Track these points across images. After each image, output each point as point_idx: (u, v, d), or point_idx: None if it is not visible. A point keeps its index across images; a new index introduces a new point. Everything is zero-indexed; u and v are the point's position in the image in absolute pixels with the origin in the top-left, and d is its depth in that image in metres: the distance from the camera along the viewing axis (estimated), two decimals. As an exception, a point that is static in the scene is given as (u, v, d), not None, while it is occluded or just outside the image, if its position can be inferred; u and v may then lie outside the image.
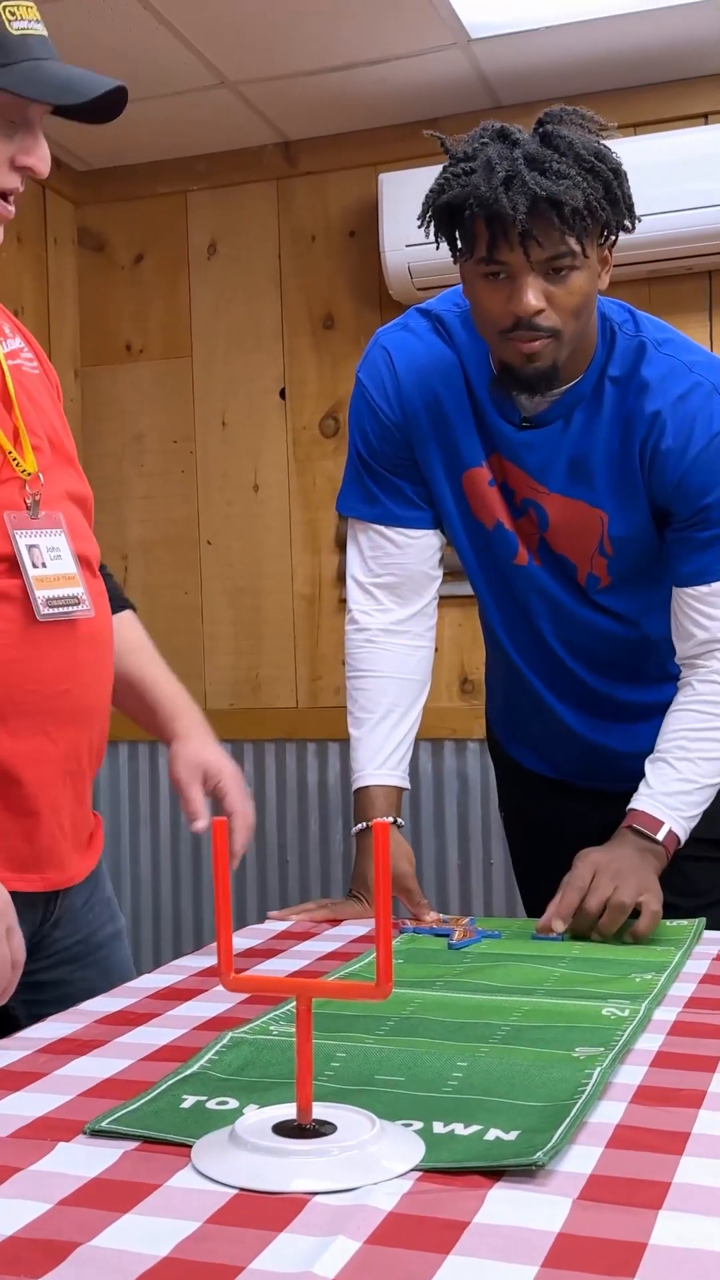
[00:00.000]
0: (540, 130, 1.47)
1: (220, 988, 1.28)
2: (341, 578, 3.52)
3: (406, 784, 1.70)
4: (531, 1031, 1.10)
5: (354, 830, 1.68)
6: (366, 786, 1.67)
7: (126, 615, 1.60)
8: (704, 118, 3.24)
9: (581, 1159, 0.83)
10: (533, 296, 1.45)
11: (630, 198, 1.50)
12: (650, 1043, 1.08)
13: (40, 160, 1.29)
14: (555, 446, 1.60)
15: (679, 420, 1.55)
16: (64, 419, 1.49)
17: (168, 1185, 0.82)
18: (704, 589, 1.58)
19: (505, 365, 1.54)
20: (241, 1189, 0.81)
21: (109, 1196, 0.81)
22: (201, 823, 1.48)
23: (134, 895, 3.78)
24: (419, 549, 1.71)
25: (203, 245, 3.66)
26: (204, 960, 1.43)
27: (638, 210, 3.48)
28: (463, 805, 3.51)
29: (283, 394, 3.61)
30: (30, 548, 1.30)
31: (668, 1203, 0.76)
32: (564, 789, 1.88)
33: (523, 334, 1.47)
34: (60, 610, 1.32)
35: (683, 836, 1.56)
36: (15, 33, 1.23)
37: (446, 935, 1.48)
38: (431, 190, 1.50)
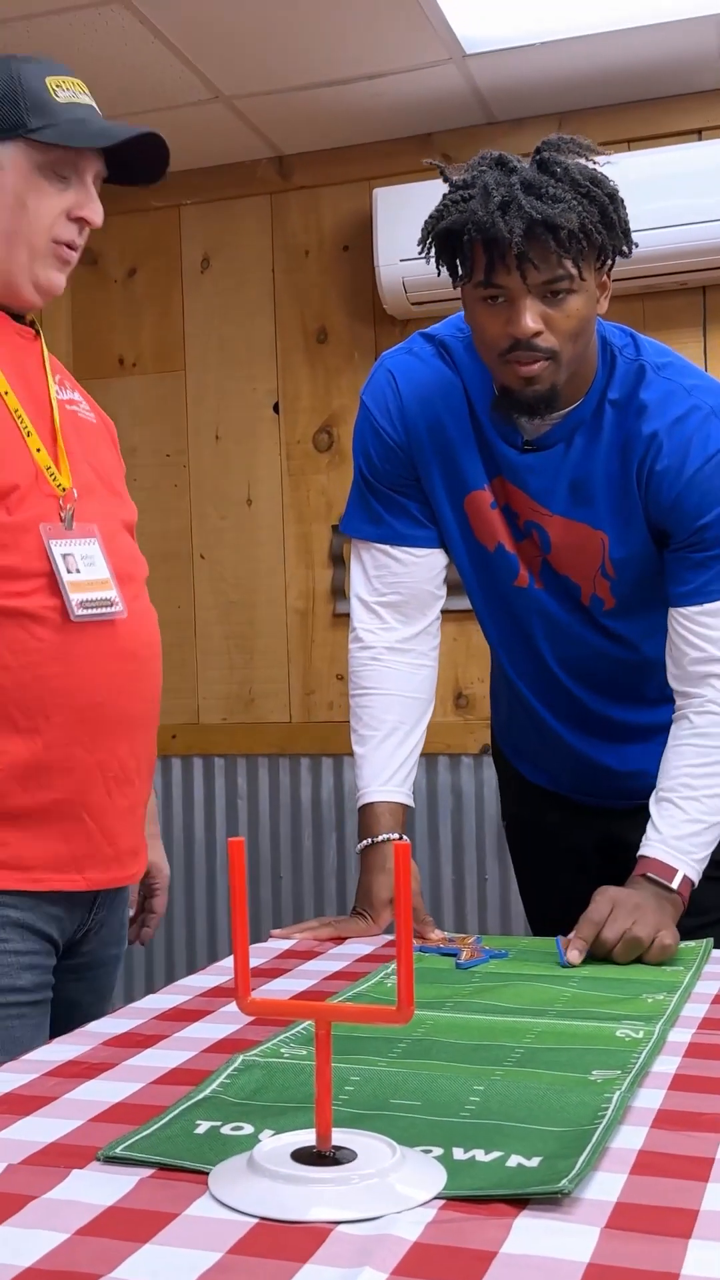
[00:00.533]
0: (538, 158, 1.49)
1: (227, 1008, 1.28)
2: (336, 592, 3.53)
3: (411, 802, 1.70)
4: (546, 1054, 1.09)
5: (359, 847, 1.67)
6: (372, 803, 1.66)
7: None
8: (698, 133, 3.26)
9: (607, 1186, 0.82)
10: (530, 319, 1.46)
11: (626, 222, 1.52)
12: (667, 1065, 1.07)
13: (94, 212, 1.43)
14: (557, 469, 1.61)
15: (675, 442, 1.56)
16: (120, 461, 1.62)
17: (186, 1214, 0.81)
18: (697, 609, 1.58)
19: (505, 388, 1.55)
20: (262, 1218, 0.79)
21: (127, 1226, 0.79)
22: (129, 910, 1.67)
23: (126, 911, 3.76)
24: (423, 568, 1.71)
25: (196, 259, 3.66)
26: (210, 980, 1.42)
27: (630, 226, 3.50)
28: (457, 820, 3.50)
29: (276, 408, 3.61)
30: (65, 555, 1.39)
31: (697, 1231, 0.75)
32: (564, 803, 1.88)
33: (521, 355, 1.48)
34: (94, 612, 1.40)
35: (696, 879, 1.55)
36: (60, 101, 1.39)
37: (454, 954, 1.47)
38: (431, 217, 1.53)
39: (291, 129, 3.39)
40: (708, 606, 1.58)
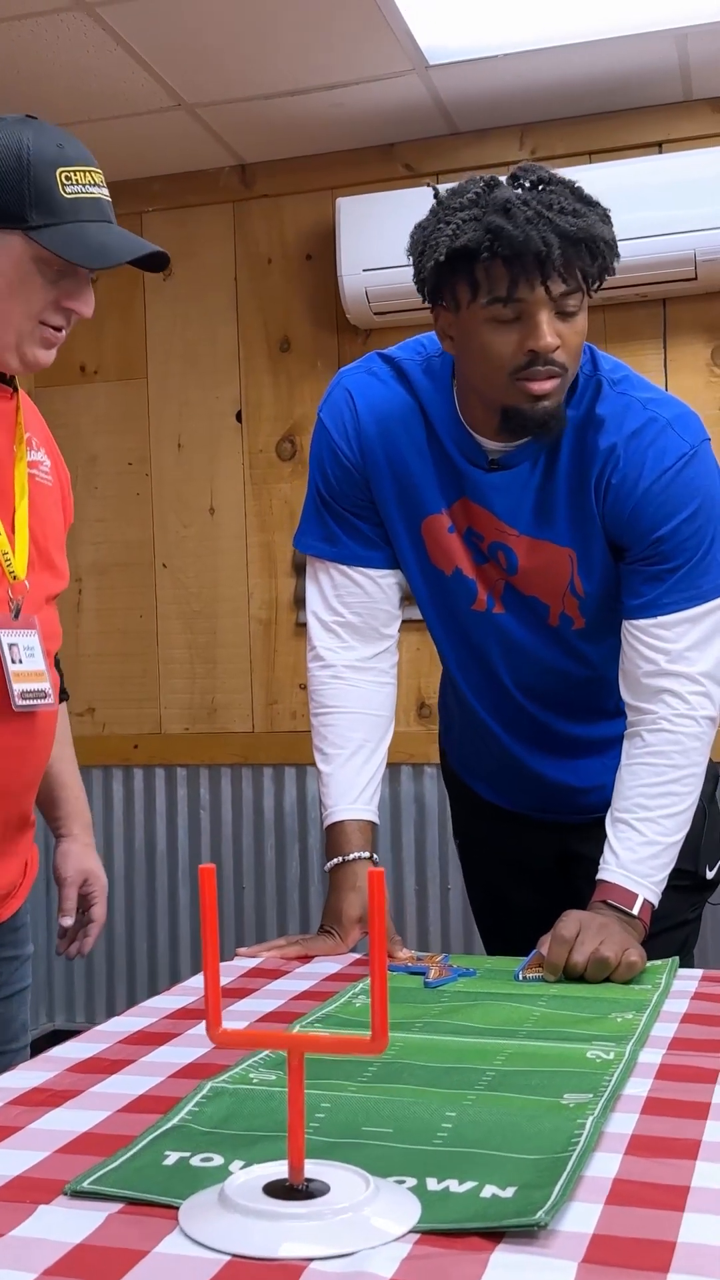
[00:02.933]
0: (529, 179, 1.48)
1: (193, 1031, 1.27)
2: (299, 601, 3.51)
3: (378, 819, 1.69)
4: (517, 1077, 1.09)
5: (328, 866, 1.66)
6: (340, 822, 1.65)
7: (60, 706, 1.67)
8: (658, 146, 3.27)
9: (583, 1217, 0.81)
10: (550, 333, 1.46)
11: (615, 242, 1.52)
12: (639, 1088, 1.06)
13: (85, 305, 1.42)
14: (523, 487, 1.60)
15: (631, 455, 1.56)
16: (67, 517, 1.63)
17: (156, 1251, 0.79)
18: (651, 621, 1.58)
19: (511, 409, 1.52)
20: (234, 1255, 0.78)
21: (97, 1264, 0.78)
22: (68, 919, 1.71)
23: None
24: (381, 588, 1.71)
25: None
26: (175, 1001, 1.40)
27: None
28: (420, 830, 3.49)
29: (239, 417, 3.60)
30: (11, 645, 1.44)
31: (675, 1264, 0.75)
32: (518, 819, 1.87)
33: (538, 370, 1.47)
34: (31, 702, 1.46)
35: (656, 901, 1.55)
36: (67, 195, 1.36)
37: (422, 973, 1.46)
38: (444, 237, 1.46)
39: (254, 137, 3.38)
40: (662, 619, 1.58)
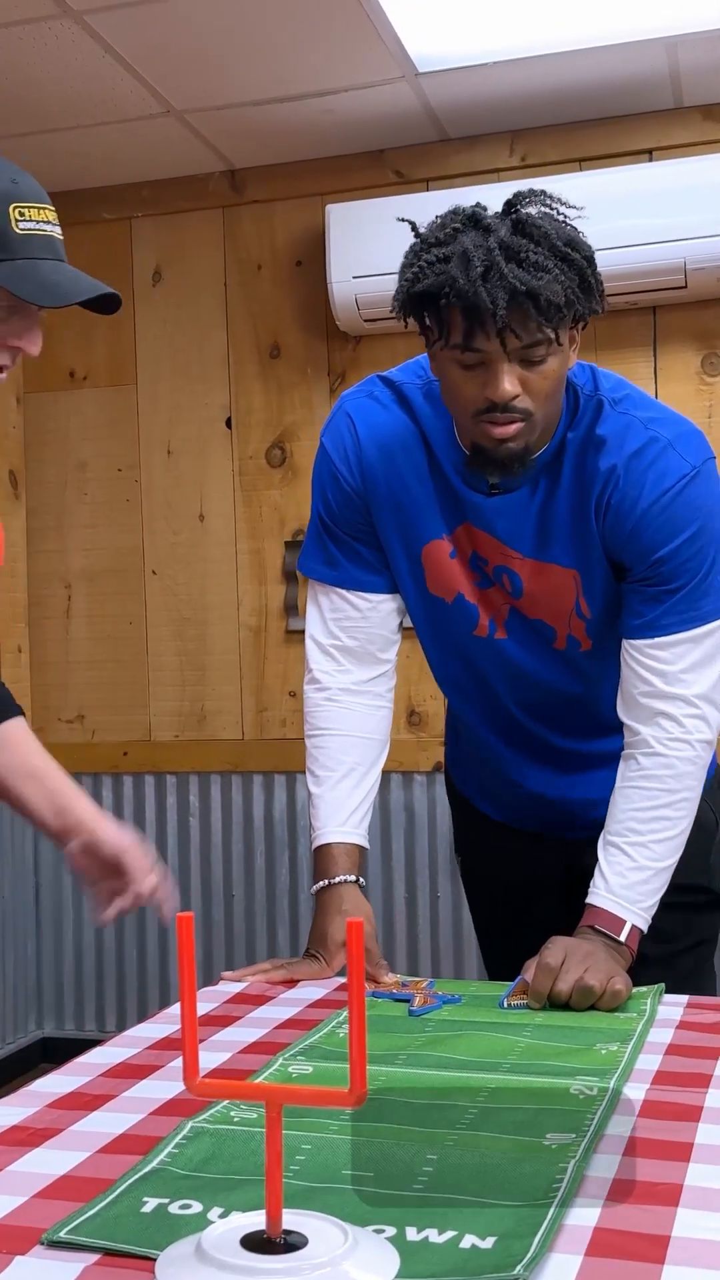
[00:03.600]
0: (513, 216, 1.46)
1: (175, 1063, 1.26)
2: (289, 608, 3.51)
3: (367, 843, 1.68)
4: (500, 1114, 1.08)
5: (314, 889, 1.65)
6: (328, 844, 1.64)
7: (19, 722, 1.60)
8: (648, 154, 3.27)
9: (562, 1270, 0.81)
10: (508, 383, 1.44)
11: (601, 283, 1.50)
12: (622, 1127, 1.06)
13: (31, 344, 1.39)
14: (524, 510, 1.59)
15: (631, 475, 1.54)
16: None
17: (133, 1307, 0.79)
18: (649, 642, 1.57)
19: (477, 446, 1.53)
20: (210, 1311, 0.77)
21: (71, 1321, 0.77)
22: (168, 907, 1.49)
23: (76, 934, 3.72)
24: (380, 613, 1.70)
25: (147, 272, 3.63)
26: (158, 1030, 1.39)
27: None
28: (409, 838, 3.49)
29: (229, 423, 3.58)
30: None
31: (653, 1323, 0.74)
32: (527, 837, 1.86)
33: (497, 416, 1.46)
34: None
35: (645, 927, 1.54)
36: (19, 232, 1.33)
37: (407, 1000, 1.46)
38: (405, 278, 1.48)
39: (244, 143, 3.37)
40: (660, 640, 1.57)
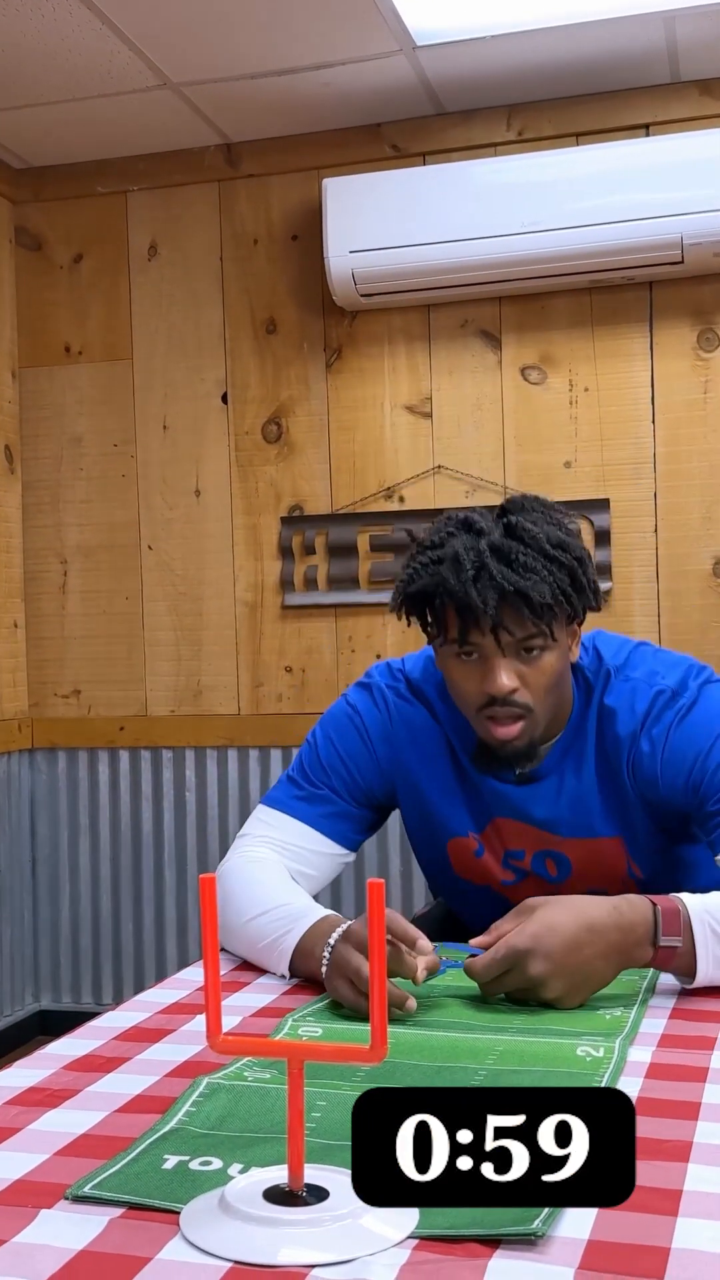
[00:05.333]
0: (504, 521, 1.50)
1: (187, 1026, 1.28)
2: (285, 584, 3.52)
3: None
4: (509, 1076, 1.10)
5: (324, 956, 1.37)
6: (315, 922, 1.43)
7: None
8: (645, 129, 3.26)
9: (578, 1224, 0.82)
10: (505, 677, 1.48)
11: (595, 582, 1.54)
12: (629, 1087, 1.08)
13: None
14: (557, 791, 1.61)
15: (652, 735, 1.57)
16: None
17: (159, 1258, 0.80)
18: None
19: (482, 744, 1.56)
20: (235, 1261, 0.79)
21: (100, 1270, 0.79)
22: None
23: (73, 907, 3.74)
24: (335, 859, 1.69)
25: (143, 246, 3.62)
26: (169, 995, 1.41)
27: (579, 221, 3.40)
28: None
29: (225, 398, 3.58)
30: None
31: (670, 1270, 0.76)
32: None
33: (498, 711, 1.50)
34: None
35: (707, 971, 1.33)
36: None
37: (456, 967, 1.47)
38: (401, 579, 1.54)
39: (240, 117, 3.36)
40: None
